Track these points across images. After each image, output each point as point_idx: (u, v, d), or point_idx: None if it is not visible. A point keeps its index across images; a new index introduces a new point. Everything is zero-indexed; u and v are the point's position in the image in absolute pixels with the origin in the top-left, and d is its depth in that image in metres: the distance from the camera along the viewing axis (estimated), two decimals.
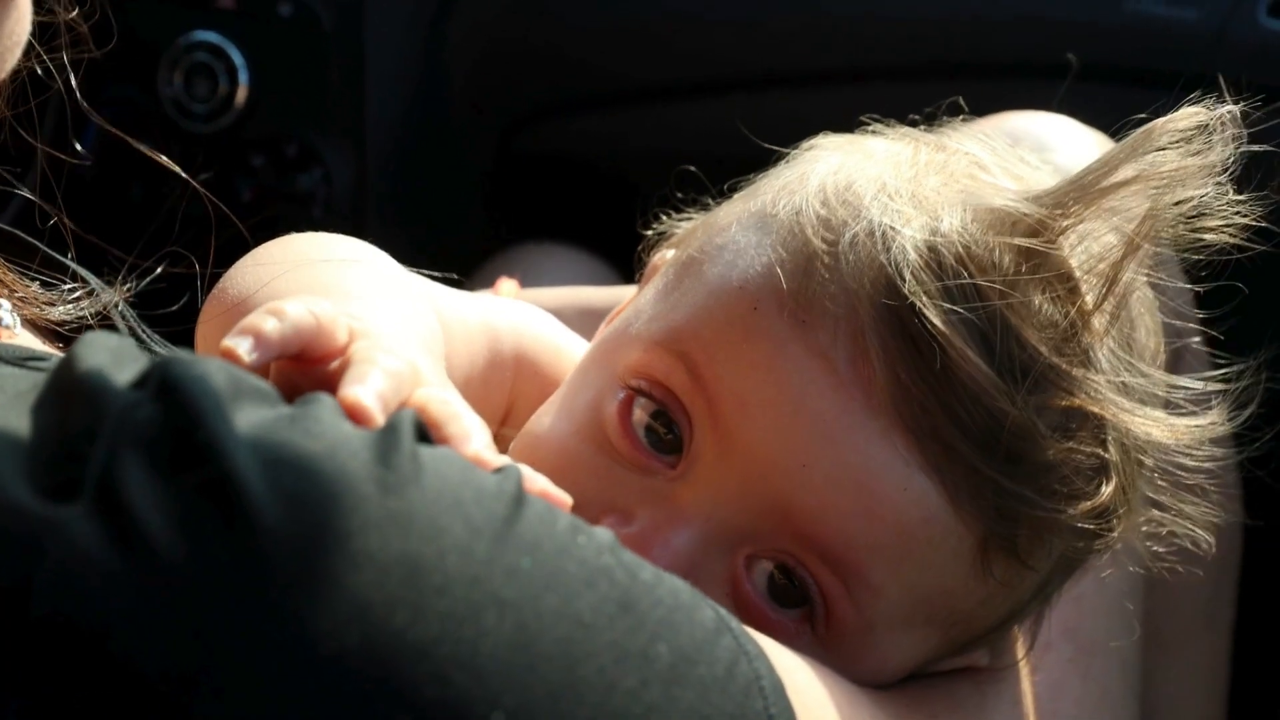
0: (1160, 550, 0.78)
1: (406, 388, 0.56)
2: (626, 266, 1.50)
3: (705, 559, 0.67)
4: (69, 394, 0.48)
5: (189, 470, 0.45)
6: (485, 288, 1.15)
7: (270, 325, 0.55)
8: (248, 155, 1.49)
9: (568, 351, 0.84)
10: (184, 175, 0.68)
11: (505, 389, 0.81)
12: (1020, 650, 0.80)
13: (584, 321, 0.92)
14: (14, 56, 0.56)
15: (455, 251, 1.56)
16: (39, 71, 0.62)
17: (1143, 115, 0.69)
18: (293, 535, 0.45)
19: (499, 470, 0.53)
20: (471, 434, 0.55)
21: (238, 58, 1.49)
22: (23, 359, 0.55)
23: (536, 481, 0.55)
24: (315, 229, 0.83)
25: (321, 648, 0.44)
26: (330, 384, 0.55)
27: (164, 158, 0.68)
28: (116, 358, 0.49)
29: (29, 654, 0.43)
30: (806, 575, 0.67)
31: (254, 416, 0.48)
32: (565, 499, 0.56)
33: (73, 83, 0.64)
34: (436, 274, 0.79)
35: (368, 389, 0.53)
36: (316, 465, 0.46)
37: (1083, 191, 0.66)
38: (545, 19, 1.59)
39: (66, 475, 0.45)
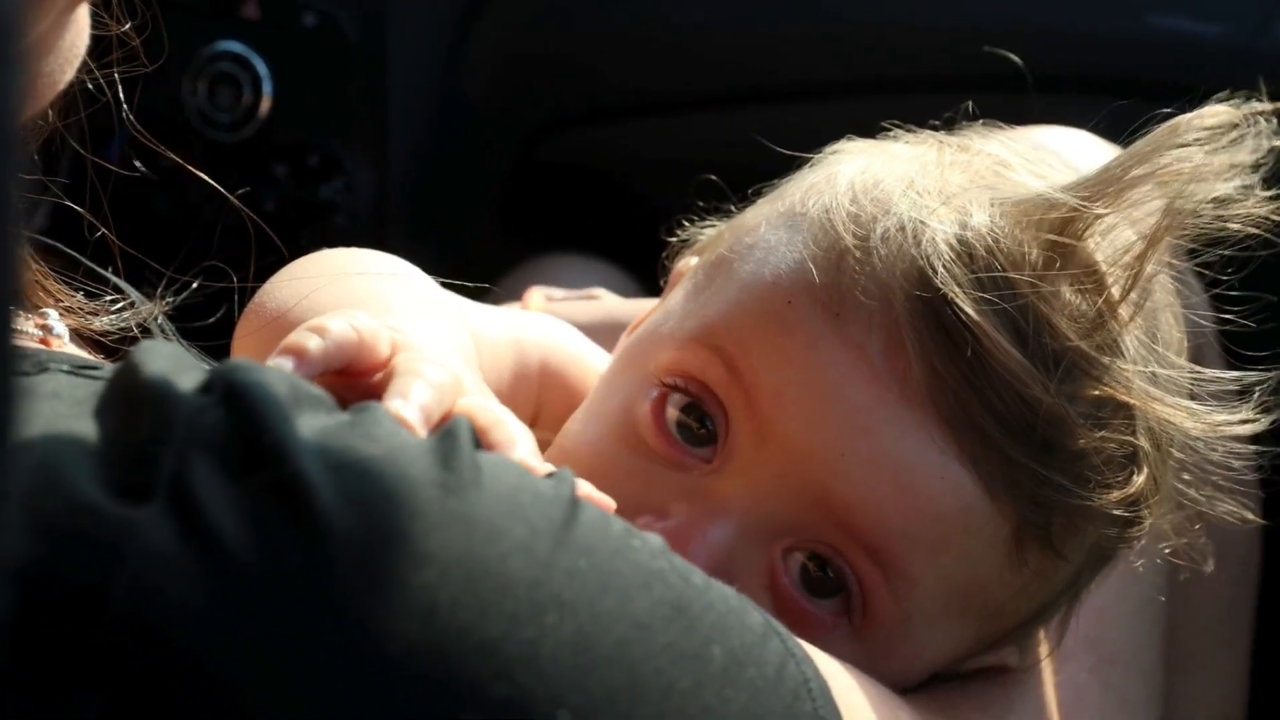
0: (1184, 550, 0.78)
1: (449, 398, 0.57)
2: (646, 276, 1.51)
3: (743, 551, 0.68)
4: (135, 399, 0.49)
5: (257, 473, 0.47)
6: (511, 299, 1.16)
7: (313, 343, 0.56)
8: (270, 165, 1.49)
9: (591, 364, 0.85)
10: (226, 193, 0.69)
11: (531, 402, 0.82)
12: (1045, 654, 0.81)
13: (611, 334, 0.93)
14: (71, 69, 0.57)
15: (475, 260, 1.57)
16: (88, 84, 0.63)
17: (1168, 110, 0.70)
18: (360, 537, 0.46)
19: (552, 475, 0.54)
20: (517, 440, 0.56)
21: (262, 68, 1.49)
22: (77, 367, 0.56)
23: (580, 486, 0.56)
24: (337, 238, 0.84)
25: (389, 647, 0.45)
26: (375, 396, 0.56)
27: (206, 176, 0.69)
28: (177, 365, 0.50)
29: (109, 651, 0.44)
30: (844, 565, 0.68)
31: (315, 422, 0.49)
32: (609, 503, 0.57)
33: (120, 95, 0.65)
34: (467, 284, 0.80)
35: (410, 403, 0.54)
36: (379, 469, 0.47)
37: (1108, 184, 0.67)
38: (566, 31, 1.60)
39: (138, 478, 0.46)
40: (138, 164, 0.72)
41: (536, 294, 1.11)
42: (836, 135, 0.82)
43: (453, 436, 0.51)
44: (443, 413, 0.56)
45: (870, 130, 0.82)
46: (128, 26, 0.62)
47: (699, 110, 1.58)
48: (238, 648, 0.45)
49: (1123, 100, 1.35)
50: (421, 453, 0.49)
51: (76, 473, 0.46)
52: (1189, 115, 0.68)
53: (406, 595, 0.46)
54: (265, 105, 1.49)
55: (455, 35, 1.58)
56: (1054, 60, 1.36)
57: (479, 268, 1.44)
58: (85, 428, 0.49)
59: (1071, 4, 1.44)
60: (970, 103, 0.87)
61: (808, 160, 0.79)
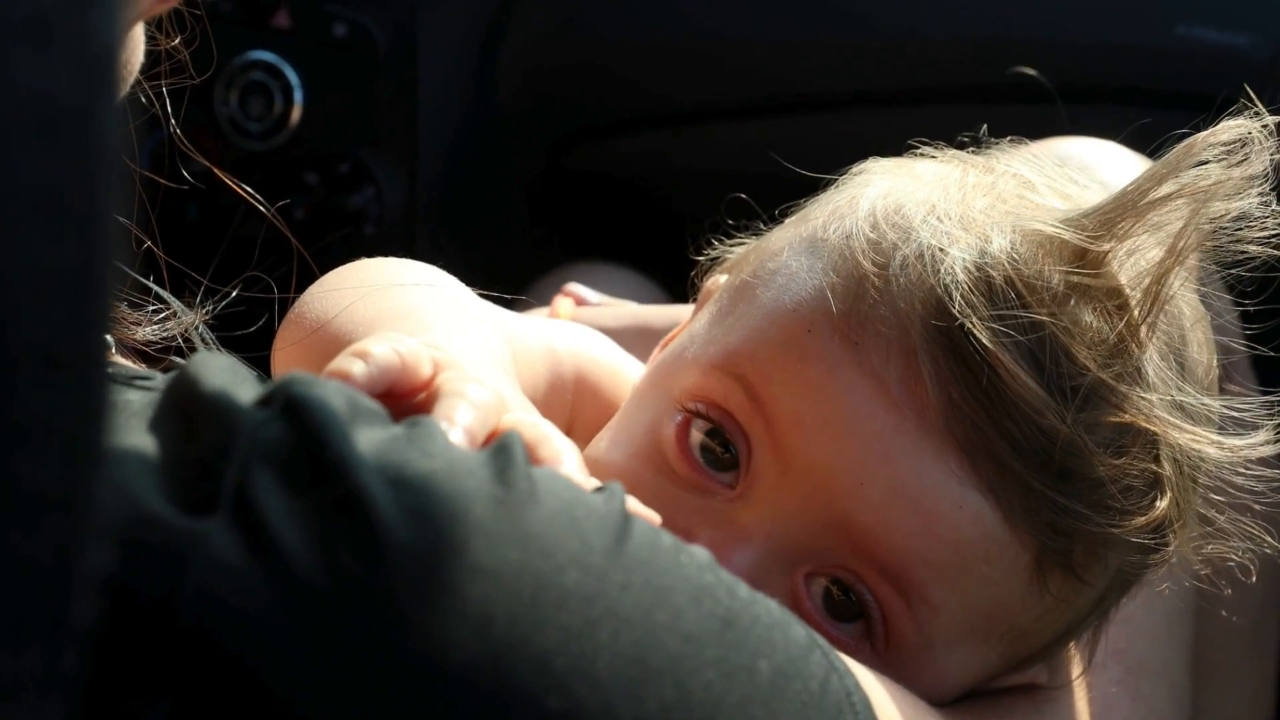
0: (1209, 570, 0.79)
1: (493, 417, 0.57)
2: (673, 284, 1.52)
3: (766, 577, 0.68)
4: (195, 412, 0.50)
5: (319, 487, 0.47)
6: (540, 306, 1.17)
7: (357, 368, 0.56)
8: (301, 173, 1.50)
9: (625, 374, 0.86)
10: (265, 206, 0.70)
11: (565, 411, 0.83)
12: (1076, 669, 0.81)
13: (643, 341, 0.93)
14: (125, 86, 0.58)
15: (503, 269, 1.57)
16: (142, 97, 0.64)
17: (1185, 130, 0.70)
18: (418, 550, 0.47)
19: (601, 490, 0.54)
20: (564, 455, 0.56)
21: (293, 77, 1.50)
22: (130, 379, 0.57)
23: (627, 501, 0.56)
24: (367, 246, 0.85)
25: (445, 659, 0.46)
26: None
27: (245, 187, 0.70)
28: (234, 377, 0.51)
29: (176, 661, 0.45)
30: (865, 591, 0.69)
31: (372, 436, 0.49)
32: (654, 517, 0.57)
33: (168, 107, 0.66)
34: (497, 294, 0.80)
35: (455, 427, 0.55)
36: (437, 483, 0.48)
37: (1127, 207, 0.67)
38: (593, 41, 1.60)
39: (202, 490, 0.47)
40: (185, 174, 0.73)
41: (565, 302, 1.12)
42: (863, 145, 0.82)
43: (506, 451, 0.51)
44: (487, 433, 0.56)
45: (897, 141, 0.82)
46: (177, 41, 0.63)
47: (726, 120, 1.59)
48: (297, 660, 0.45)
49: (1151, 111, 1.36)
50: (477, 467, 0.50)
51: (139, 484, 0.47)
52: (1204, 133, 0.68)
53: (463, 608, 0.46)
54: (296, 114, 1.50)
55: (484, 45, 1.59)
56: (1082, 71, 1.36)
57: (507, 276, 1.45)
58: (144, 440, 0.49)
59: (1100, 15, 1.44)
60: (1003, 117, 0.87)
61: (834, 175, 0.80)
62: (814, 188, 0.80)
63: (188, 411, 0.50)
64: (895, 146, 0.82)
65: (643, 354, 0.89)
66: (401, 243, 1.52)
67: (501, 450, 0.51)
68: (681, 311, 1.03)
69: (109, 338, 0.67)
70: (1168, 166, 0.67)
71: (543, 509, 0.50)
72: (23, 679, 0.38)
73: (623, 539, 0.51)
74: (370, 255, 0.81)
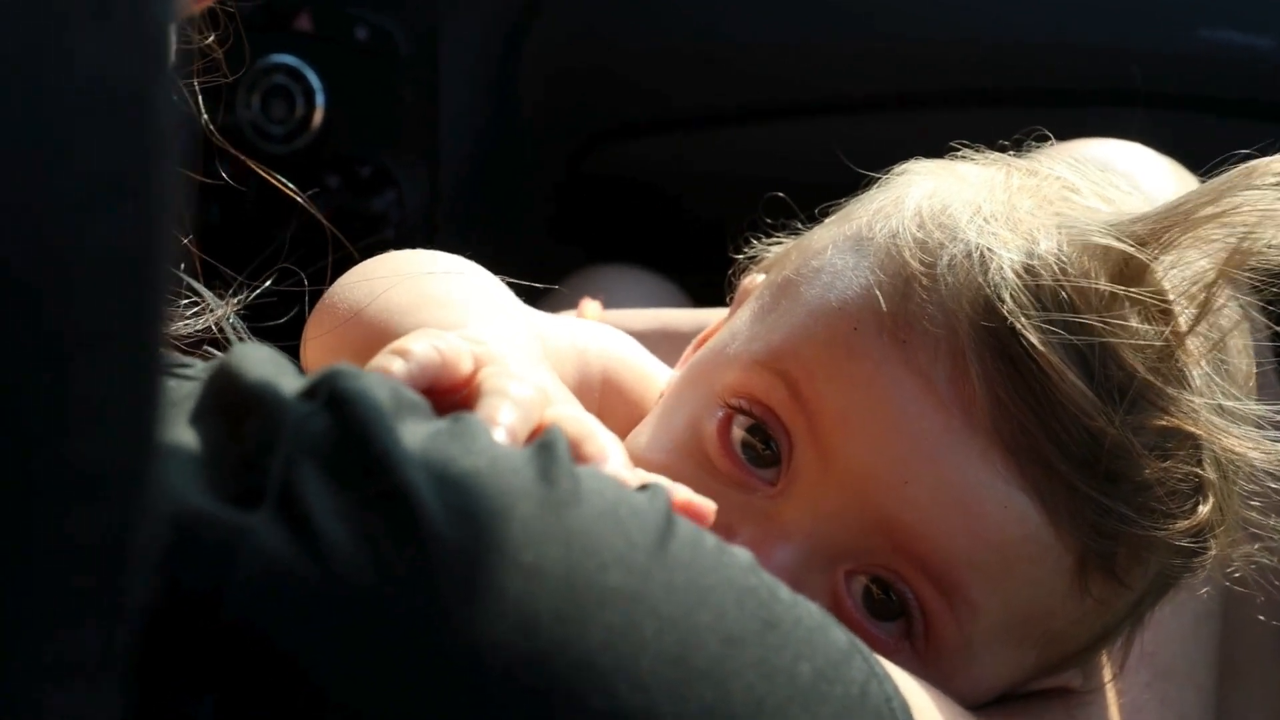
0: (1247, 574, 0.78)
1: (536, 414, 0.57)
2: (693, 286, 1.51)
3: (806, 575, 0.68)
4: (238, 405, 0.49)
5: (365, 482, 0.47)
6: (564, 309, 1.17)
7: (397, 366, 0.56)
8: (323, 176, 1.50)
9: (652, 376, 0.86)
10: (300, 196, 0.70)
11: (593, 410, 0.82)
12: (1108, 674, 0.81)
13: (668, 344, 0.93)
14: None
15: (524, 271, 1.57)
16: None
17: (1247, 151, 0.69)
18: (462, 548, 0.46)
19: (646, 488, 0.54)
20: (609, 452, 0.56)
21: (314, 80, 1.50)
22: (172, 367, 0.56)
23: (679, 491, 0.56)
24: (388, 249, 0.85)
25: (489, 657, 0.46)
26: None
27: (286, 181, 0.70)
28: (277, 369, 0.51)
29: (222, 655, 0.45)
30: (907, 590, 0.68)
31: (417, 430, 0.49)
32: (710, 506, 0.57)
33: (200, 105, 0.66)
34: (528, 283, 0.80)
35: (499, 427, 0.54)
36: (481, 480, 0.48)
37: (1179, 219, 0.67)
38: (614, 45, 1.61)
39: (247, 484, 0.47)
40: (222, 173, 0.73)
41: (591, 305, 1.12)
42: (886, 148, 0.82)
43: (550, 449, 0.51)
44: (530, 429, 0.56)
45: (918, 144, 0.82)
46: (210, 39, 0.63)
47: (746, 124, 1.59)
48: (340, 654, 0.45)
49: (1175, 113, 1.36)
50: (521, 465, 0.49)
51: (183, 478, 0.46)
52: (1266, 159, 0.68)
53: (507, 607, 0.46)
54: (318, 117, 1.50)
55: (507, 48, 1.59)
56: (1105, 74, 1.36)
57: (527, 278, 1.45)
58: (187, 433, 0.49)
59: (1123, 18, 1.44)
60: (1030, 120, 0.87)
61: (860, 177, 0.79)
62: (835, 190, 0.80)
63: (231, 403, 0.50)
64: (916, 149, 0.81)
65: (667, 357, 0.89)
66: (422, 246, 1.51)
67: (545, 448, 0.51)
68: (706, 316, 1.02)
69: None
70: (1224, 185, 0.67)
71: (586, 507, 0.49)
72: (74, 659, 0.38)
73: (666, 539, 0.51)
74: None
